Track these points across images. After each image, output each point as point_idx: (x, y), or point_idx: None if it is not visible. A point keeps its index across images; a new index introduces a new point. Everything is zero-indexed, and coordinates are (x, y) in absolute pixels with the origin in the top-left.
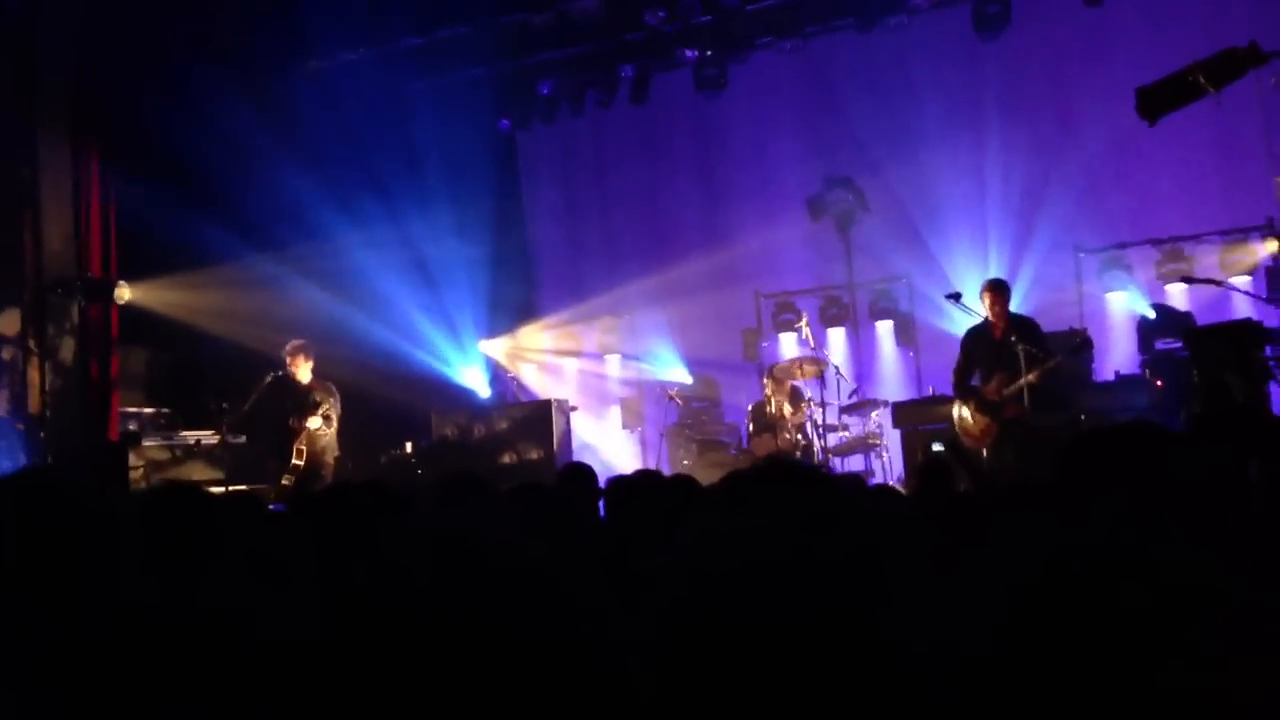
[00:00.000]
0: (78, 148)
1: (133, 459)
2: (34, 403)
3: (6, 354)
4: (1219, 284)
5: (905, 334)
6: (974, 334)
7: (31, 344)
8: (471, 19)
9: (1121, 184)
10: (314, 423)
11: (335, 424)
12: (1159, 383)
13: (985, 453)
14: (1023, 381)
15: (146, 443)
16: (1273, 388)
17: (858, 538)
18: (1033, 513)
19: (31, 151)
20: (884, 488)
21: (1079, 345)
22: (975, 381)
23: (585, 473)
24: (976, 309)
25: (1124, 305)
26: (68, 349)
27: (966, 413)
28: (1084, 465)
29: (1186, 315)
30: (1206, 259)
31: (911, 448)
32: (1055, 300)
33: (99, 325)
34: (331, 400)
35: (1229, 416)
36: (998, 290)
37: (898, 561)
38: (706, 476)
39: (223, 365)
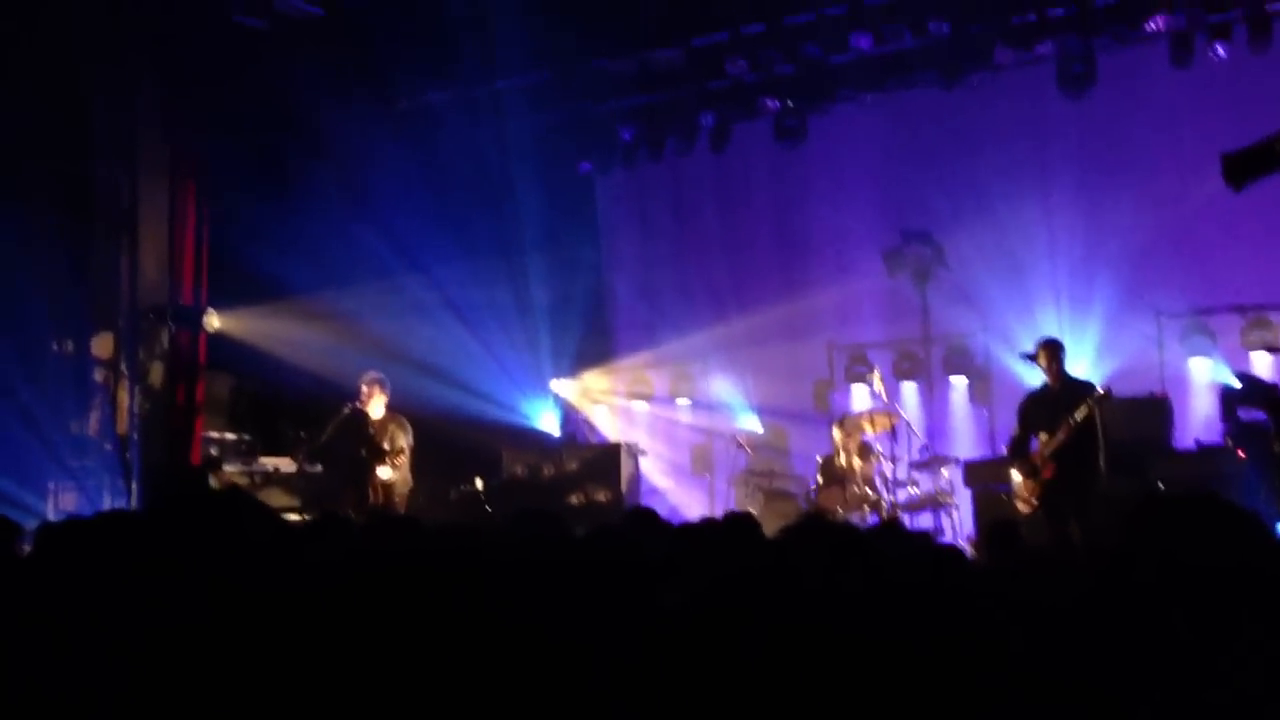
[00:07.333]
0: (175, 179)
1: (212, 482)
2: (121, 424)
3: (99, 376)
4: None
5: (980, 390)
6: (1032, 397)
7: (122, 367)
8: (555, 65)
9: (1205, 247)
10: (384, 473)
11: (408, 456)
12: (1241, 453)
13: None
14: (1056, 440)
15: (226, 468)
16: None
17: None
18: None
19: (132, 182)
20: (950, 550)
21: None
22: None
23: (650, 518)
24: None
25: (1206, 372)
26: (157, 373)
27: (1016, 477)
28: (1136, 539)
29: (1272, 386)
30: None
31: (982, 507)
32: (1136, 365)
33: (187, 351)
34: (404, 435)
35: None
36: (1049, 349)
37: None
38: (771, 527)
39: (303, 395)
